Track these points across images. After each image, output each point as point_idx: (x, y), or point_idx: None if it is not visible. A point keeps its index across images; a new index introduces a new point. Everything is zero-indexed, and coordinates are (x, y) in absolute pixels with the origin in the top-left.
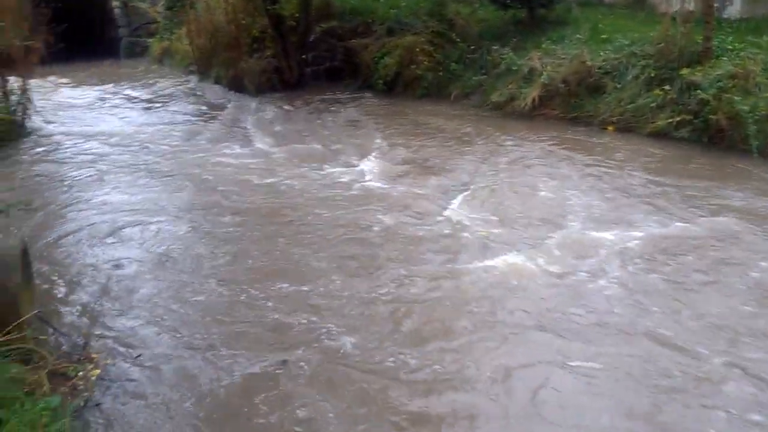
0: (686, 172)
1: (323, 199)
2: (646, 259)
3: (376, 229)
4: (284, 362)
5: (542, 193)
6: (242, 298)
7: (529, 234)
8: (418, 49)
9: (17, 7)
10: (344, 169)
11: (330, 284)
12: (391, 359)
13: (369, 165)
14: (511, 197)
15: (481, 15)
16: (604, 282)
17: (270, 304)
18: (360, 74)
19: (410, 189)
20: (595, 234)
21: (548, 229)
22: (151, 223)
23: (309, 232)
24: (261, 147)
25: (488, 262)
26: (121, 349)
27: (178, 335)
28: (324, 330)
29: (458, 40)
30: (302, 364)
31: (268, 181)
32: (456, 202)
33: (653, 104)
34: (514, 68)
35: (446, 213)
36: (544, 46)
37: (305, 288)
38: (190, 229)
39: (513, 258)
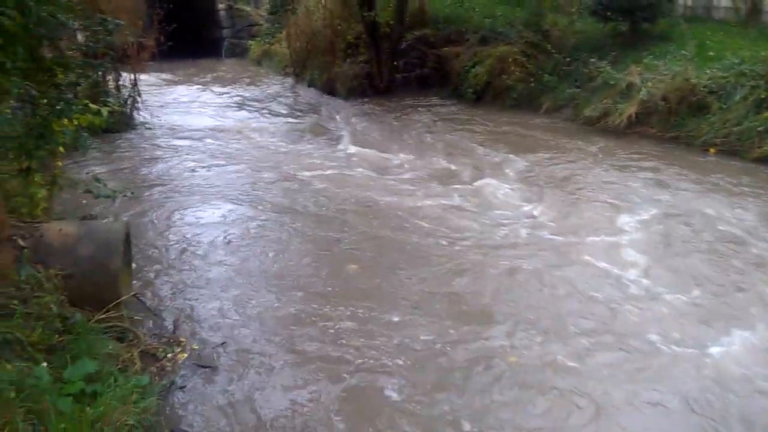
0: None
1: (426, 217)
2: None
3: (494, 268)
4: None
5: (723, 244)
6: (324, 310)
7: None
8: (510, 59)
9: (133, 8)
10: (451, 186)
11: (417, 323)
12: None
13: (478, 180)
14: (687, 252)
15: (578, 27)
16: None
17: (349, 323)
18: (449, 82)
19: (540, 219)
20: None
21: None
22: (244, 218)
23: (408, 254)
24: (356, 154)
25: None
26: (207, 336)
27: (261, 331)
28: (385, 367)
29: (553, 51)
30: (346, 391)
31: (367, 194)
32: (610, 249)
33: (761, 128)
34: (611, 82)
35: (593, 260)
36: (645, 61)
37: (385, 316)
38: (285, 231)
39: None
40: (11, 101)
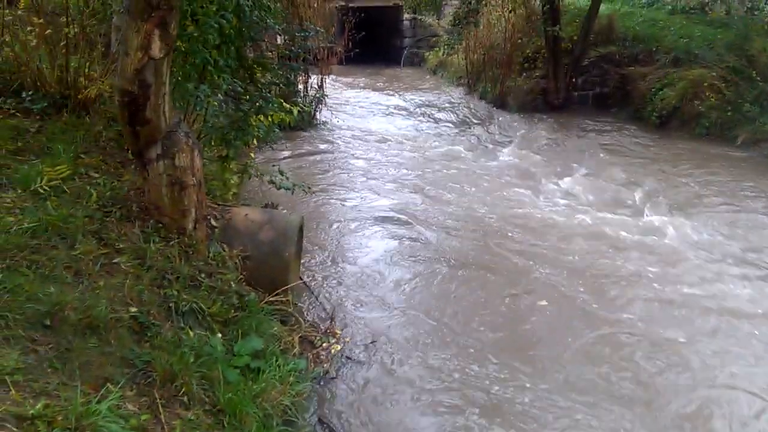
0: None
1: (635, 278)
2: None
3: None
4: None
5: None
6: (472, 348)
7: None
8: (705, 84)
9: (329, 15)
10: (662, 236)
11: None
12: None
13: (681, 230)
14: None
15: None
16: None
17: (491, 371)
18: (630, 104)
19: None
20: None
21: None
22: (415, 231)
23: (583, 314)
24: (533, 174)
25: None
26: (360, 332)
27: (408, 340)
28: None
29: (758, 78)
30: None
31: (554, 229)
32: None
33: None
34: None
35: None
36: None
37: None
38: (456, 251)
39: None
40: (219, 95)
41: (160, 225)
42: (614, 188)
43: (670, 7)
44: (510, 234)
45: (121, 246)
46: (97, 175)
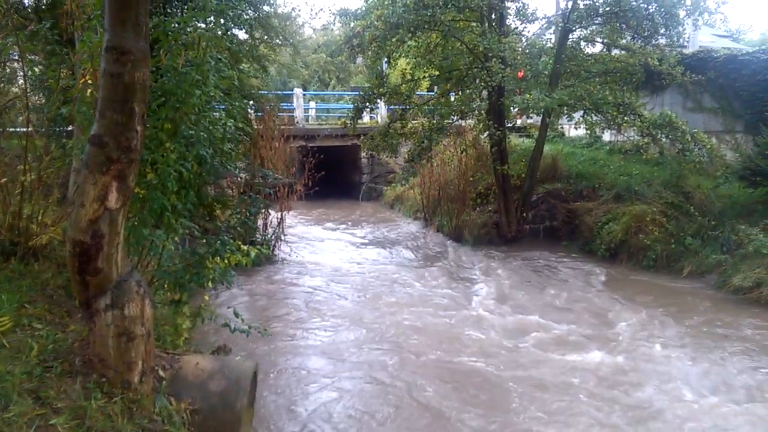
0: None
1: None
2: None
3: None
4: None
5: None
6: None
7: None
8: (648, 219)
9: (289, 156)
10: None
11: None
12: None
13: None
14: None
15: (724, 191)
16: None
17: None
18: (579, 237)
19: None
20: None
21: None
22: (366, 372)
23: None
24: (492, 311)
25: None
26: None
27: None
28: None
29: (696, 213)
30: None
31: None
32: None
33: None
34: (763, 251)
35: None
36: None
37: None
38: (413, 399)
39: None
40: (176, 238)
41: (104, 379)
42: (580, 325)
43: (608, 147)
44: (475, 385)
45: (59, 405)
46: (40, 326)
